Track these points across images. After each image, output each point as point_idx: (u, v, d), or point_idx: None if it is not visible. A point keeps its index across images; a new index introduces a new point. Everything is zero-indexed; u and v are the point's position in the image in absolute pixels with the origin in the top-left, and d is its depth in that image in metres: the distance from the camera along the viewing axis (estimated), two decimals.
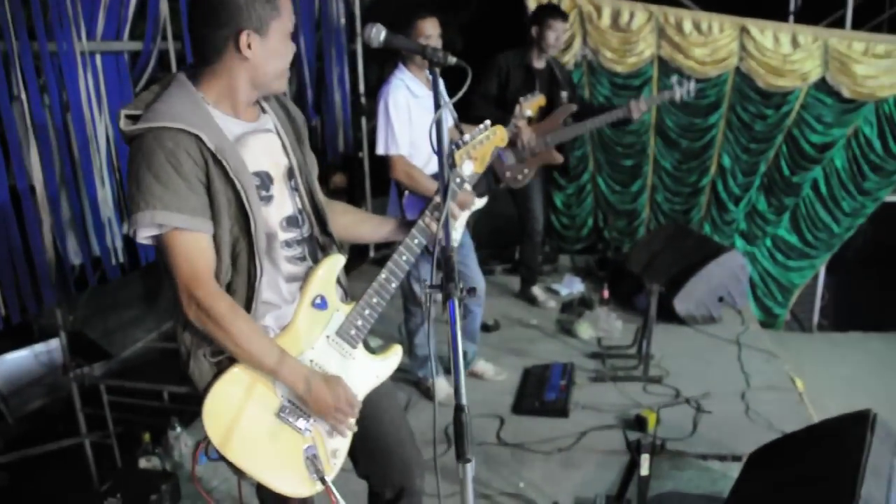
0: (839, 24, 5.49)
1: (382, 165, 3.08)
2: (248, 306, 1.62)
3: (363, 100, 5.62)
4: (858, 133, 5.13)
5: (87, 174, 3.41)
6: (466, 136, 1.78)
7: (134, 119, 1.56)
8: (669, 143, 5.38)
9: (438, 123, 1.56)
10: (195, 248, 1.54)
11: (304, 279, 1.71)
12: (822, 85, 5.02)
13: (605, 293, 4.63)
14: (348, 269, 1.84)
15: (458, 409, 1.38)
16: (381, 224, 1.88)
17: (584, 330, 4.31)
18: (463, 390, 1.39)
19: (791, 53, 5.00)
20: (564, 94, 4.14)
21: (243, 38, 1.57)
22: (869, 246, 7.75)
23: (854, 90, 4.98)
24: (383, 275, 1.73)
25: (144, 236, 1.53)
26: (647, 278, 4.62)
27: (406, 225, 1.79)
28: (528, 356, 4.10)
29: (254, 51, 1.58)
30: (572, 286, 5.04)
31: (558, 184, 5.64)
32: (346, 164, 5.92)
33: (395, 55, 3.12)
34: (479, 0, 7.25)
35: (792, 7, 5.97)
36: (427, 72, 2.80)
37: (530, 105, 3.46)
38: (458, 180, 1.75)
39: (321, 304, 1.73)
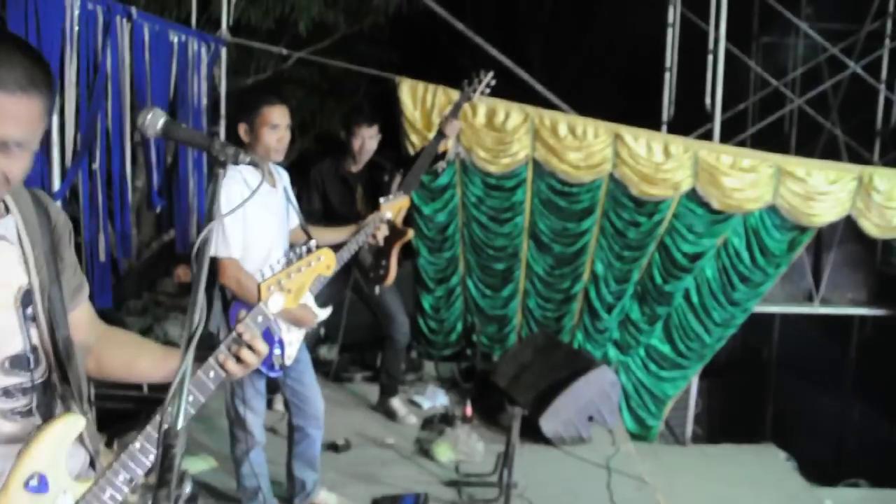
0: (708, 136, 5.61)
1: None
2: None
3: None
4: (728, 244, 5.18)
5: None
6: (277, 264, 1.55)
7: None
8: (542, 248, 5.30)
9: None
10: None
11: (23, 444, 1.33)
12: (693, 195, 5.06)
13: (469, 410, 4.39)
14: None
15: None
16: (164, 357, 1.54)
17: (444, 452, 3.99)
18: None
19: (663, 162, 5.04)
20: (386, 176, 3.98)
21: None
22: (738, 352, 7.92)
23: (723, 202, 5.03)
24: (137, 443, 1.38)
25: None
26: (513, 394, 4.49)
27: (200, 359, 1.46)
28: (378, 483, 3.72)
29: None
30: (435, 399, 4.80)
31: (427, 286, 5.46)
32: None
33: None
34: (367, 86, 7.21)
35: (665, 117, 6.06)
36: (270, 163, 2.76)
37: (391, 207, 3.28)
38: (259, 319, 1.48)
39: (39, 486, 1.33)
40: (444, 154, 4.11)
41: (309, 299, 2.84)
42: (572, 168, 5.09)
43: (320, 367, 4.70)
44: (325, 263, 1.58)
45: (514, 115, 5.07)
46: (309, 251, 1.56)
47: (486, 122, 5.10)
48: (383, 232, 3.27)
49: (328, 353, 5.04)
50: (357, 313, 4.22)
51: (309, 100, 6.86)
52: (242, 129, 2.78)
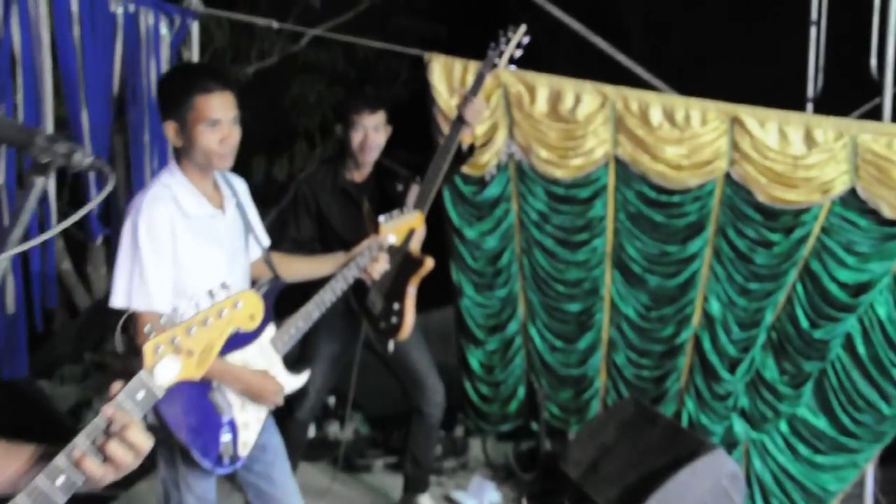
0: (874, 115, 5.06)
1: None
2: None
3: None
4: None
5: None
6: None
7: None
8: (633, 281, 4.96)
9: None
10: None
11: None
12: (852, 200, 4.57)
13: None
14: None
15: None
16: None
17: None
18: None
19: (805, 155, 4.55)
20: (400, 186, 3.95)
21: None
22: None
23: None
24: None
25: None
26: (589, 490, 4.24)
27: None
28: None
29: None
30: (482, 495, 4.54)
31: (474, 337, 5.10)
32: None
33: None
34: (409, 71, 7.15)
35: (810, 91, 5.54)
36: (217, 174, 2.73)
37: (395, 228, 3.19)
38: (138, 396, 1.45)
39: None
40: (471, 149, 3.96)
41: (272, 362, 2.84)
42: (672, 168, 4.71)
43: (327, 450, 4.73)
44: (247, 312, 1.59)
45: (587, 98, 4.73)
46: (220, 295, 1.56)
47: (548, 109, 4.76)
48: (382, 265, 3.18)
49: (341, 431, 4.94)
50: (381, 375, 4.16)
51: (332, 92, 6.62)
52: (171, 130, 2.66)
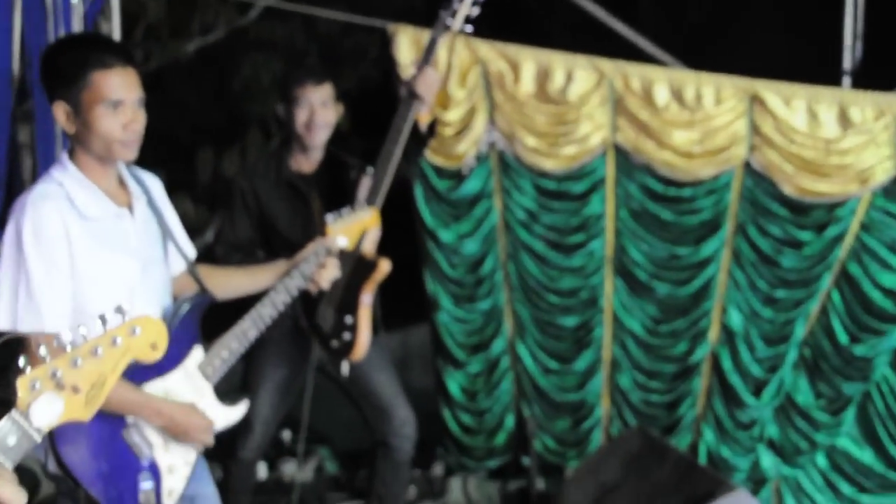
0: None
1: None
2: None
3: None
4: None
5: None
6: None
7: None
8: (638, 290, 4.94)
9: None
10: None
11: None
12: None
13: None
14: None
15: None
16: None
17: None
18: None
19: (839, 138, 4.56)
20: (354, 174, 3.92)
21: None
22: None
23: None
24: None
25: None
26: None
27: None
28: None
29: None
30: None
31: (453, 357, 5.05)
32: None
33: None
34: (380, 49, 6.94)
35: (846, 62, 5.48)
36: (123, 169, 2.70)
37: (345, 228, 3.18)
38: (8, 439, 1.50)
39: None
40: (431, 129, 3.91)
41: (202, 391, 2.78)
42: (681, 157, 4.68)
43: (282, 495, 4.64)
44: (147, 340, 1.62)
45: (580, 75, 4.68)
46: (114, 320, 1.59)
47: (535, 89, 4.72)
48: (331, 272, 3.18)
49: (298, 470, 4.85)
50: (345, 405, 4.21)
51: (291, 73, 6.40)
52: (62, 112, 2.57)
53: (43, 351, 1.62)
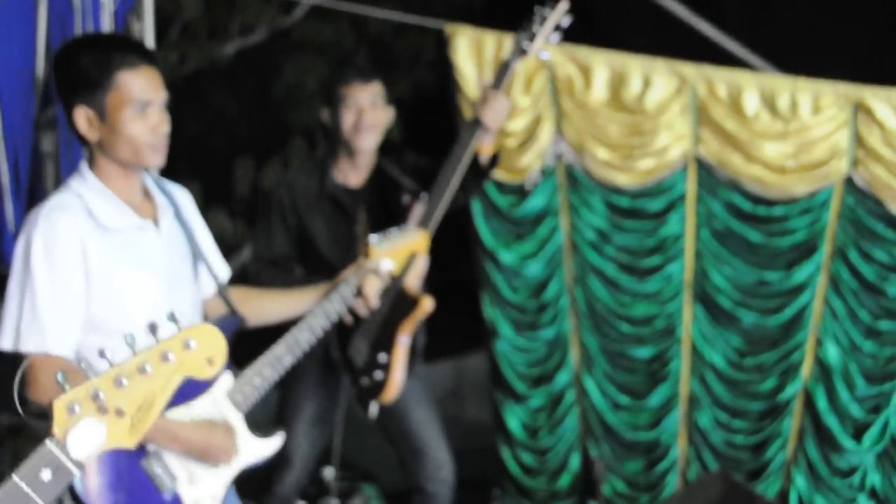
0: None
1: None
2: None
3: None
4: None
5: None
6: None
7: None
8: (721, 319, 4.78)
9: None
10: None
11: None
12: None
13: None
14: None
15: None
16: None
17: None
18: None
19: None
20: (407, 199, 3.76)
21: None
22: None
23: None
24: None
25: None
26: None
27: None
28: None
29: None
30: None
31: (513, 390, 4.87)
32: None
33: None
34: (436, 48, 6.88)
35: None
36: (149, 179, 2.71)
37: (390, 250, 3.11)
38: (44, 474, 1.49)
39: None
40: (493, 162, 3.72)
41: (231, 417, 2.70)
42: (772, 172, 4.55)
43: None
44: (203, 354, 1.55)
45: (659, 81, 4.55)
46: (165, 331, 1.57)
47: (609, 96, 4.60)
48: (372, 299, 3.08)
49: None
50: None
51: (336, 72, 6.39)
52: (83, 119, 2.51)
53: (61, 375, 1.52)
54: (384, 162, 3.85)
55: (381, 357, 3.51)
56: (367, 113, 3.68)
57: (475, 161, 3.60)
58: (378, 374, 3.53)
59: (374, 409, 3.63)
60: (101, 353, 1.48)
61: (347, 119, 3.68)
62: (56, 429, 1.42)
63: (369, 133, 3.71)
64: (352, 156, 3.75)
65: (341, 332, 3.54)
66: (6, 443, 4.98)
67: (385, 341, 3.51)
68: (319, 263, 3.71)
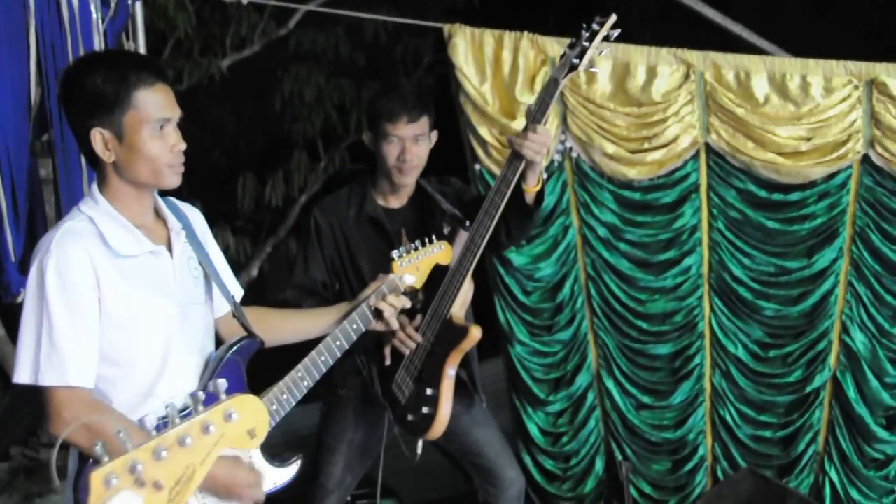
0: None
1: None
2: None
3: None
4: None
5: None
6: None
7: None
8: (742, 311, 4.74)
9: None
10: None
11: None
12: None
13: None
14: None
15: None
16: None
17: None
18: None
19: None
20: (447, 229, 3.66)
21: None
22: None
23: None
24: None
25: None
26: None
27: None
28: None
29: None
30: None
31: (532, 395, 4.80)
32: None
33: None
34: (434, 55, 7.01)
35: None
36: (161, 200, 2.71)
37: (414, 266, 3.07)
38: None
39: None
40: (538, 200, 3.55)
41: (250, 450, 2.70)
42: (787, 157, 4.53)
43: None
44: (245, 426, 1.58)
45: (664, 70, 4.53)
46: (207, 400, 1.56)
47: (613, 88, 4.57)
48: (391, 321, 3.01)
49: None
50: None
51: (336, 86, 6.43)
52: (100, 140, 2.48)
53: (99, 447, 1.44)
54: (424, 182, 3.74)
55: (429, 391, 3.43)
56: (411, 149, 3.60)
57: (519, 199, 3.42)
58: (426, 409, 3.44)
59: (419, 448, 3.58)
60: (142, 421, 1.49)
61: (391, 154, 3.59)
62: (92, 502, 1.38)
63: (412, 169, 3.64)
64: (393, 186, 3.70)
65: (382, 371, 3.51)
66: (18, 480, 4.92)
67: (432, 375, 3.42)
68: (362, 287, 3.52)
